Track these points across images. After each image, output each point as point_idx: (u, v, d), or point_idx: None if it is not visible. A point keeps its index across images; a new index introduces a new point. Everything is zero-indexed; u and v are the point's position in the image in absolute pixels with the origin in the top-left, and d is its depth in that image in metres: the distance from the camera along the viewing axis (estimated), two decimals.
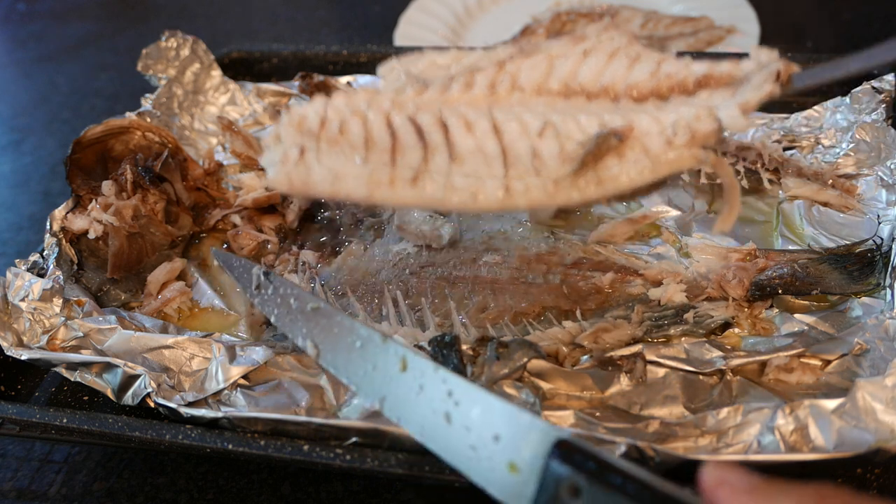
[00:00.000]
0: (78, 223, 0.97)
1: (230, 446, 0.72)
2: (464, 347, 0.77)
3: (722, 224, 0.68)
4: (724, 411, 0.71)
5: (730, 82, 0.68)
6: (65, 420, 0.77)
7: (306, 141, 0.68)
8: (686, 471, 0.67)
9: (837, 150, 1.00)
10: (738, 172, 1.01)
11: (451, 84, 0.71)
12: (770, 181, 1.00)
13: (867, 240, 0.88)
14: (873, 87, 1.02)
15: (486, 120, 0.67)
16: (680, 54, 0.73)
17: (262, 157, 0.70)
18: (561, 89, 0.70)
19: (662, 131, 0.65)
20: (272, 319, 0.76)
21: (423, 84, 0.72)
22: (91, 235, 0.96)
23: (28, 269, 0.92)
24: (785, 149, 1.03)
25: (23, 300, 0.87)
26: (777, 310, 0.84)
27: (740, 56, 0.70)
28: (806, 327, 0.81)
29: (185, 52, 1.23)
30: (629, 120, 0.66)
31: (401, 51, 1.30)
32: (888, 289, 0.81)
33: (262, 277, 0.78)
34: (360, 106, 0.69)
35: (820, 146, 1.02)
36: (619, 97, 0.70)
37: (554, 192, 0.66)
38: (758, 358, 0.76)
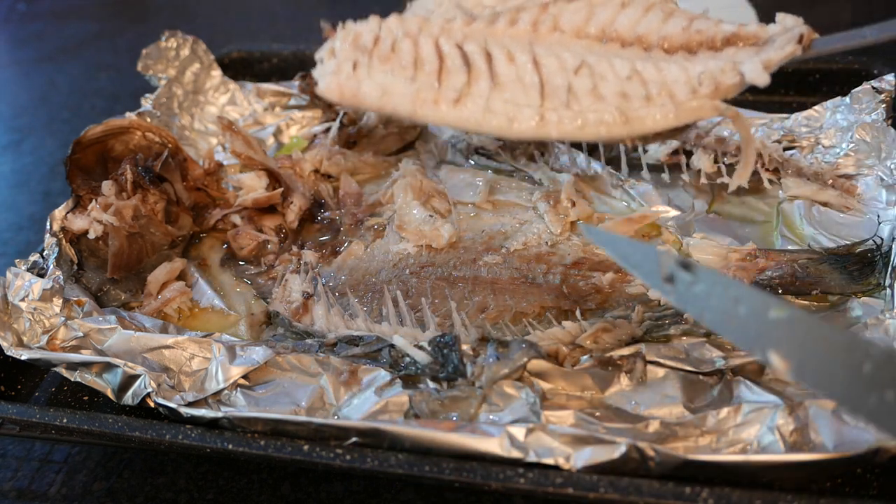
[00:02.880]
0: (78, 223, 0.97)
1: (230, 446, 0.72)
2: (464, 347, 0.77)
3: (738, 178, 0.74)
4: (724, 411, 0.71)
5: (755, 42, 0.73)
6: (65, 420, 0.77)
7: (359, 56, 0.74)
8: (686, 471, 0.67)
9: (837, 150, 1.00)
10: None
11: (498, 18, 0.76)
12: (770, 181, 1.00)
13: (867, 240, 0.88)
14: (873, 87, 1.02)
15: (528, 54, 0.73)
16: None
17: (315, 70, 0.76)
18: (598, 34, 0.75)
19: (689, 80, 0.71)
20: (704, 320, 0.62)
21: (471, 16, 0.77)
22: (91, 235, 0.96)
23: (28, 269, 0.92)
24: (785, 149, 1.03)
25: (23, 300, 0.87)
26: None
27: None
28: None
29: (185, 52, 1.23)
30: (659, 68, 0.71)
31: None
32: (888, 289, 0.81)
33: (678, 267, 0.62)
34: (412, 29, 0.75)
35: (820, 146, 1.02)
36: (652, 47, 0.74)
37: (583, 126, 0.71)
38: (758, 358, 0.76)
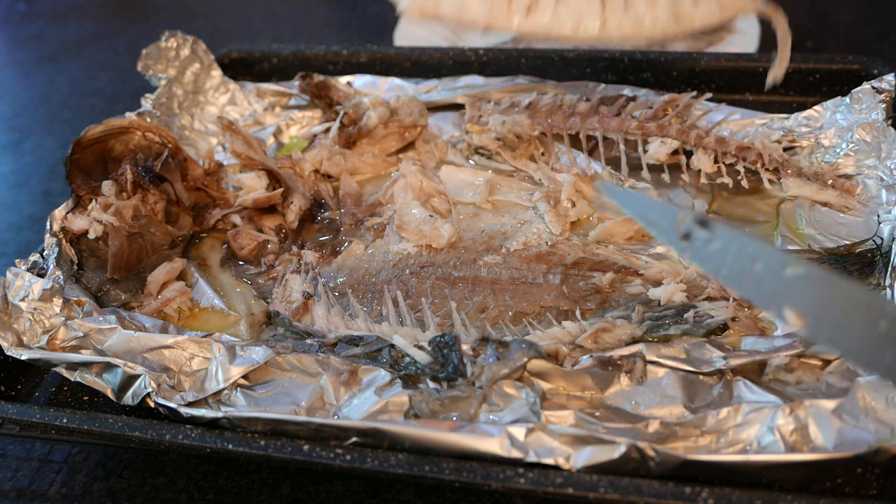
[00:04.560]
0: (78, 223, 0.97)
1: (230, 446, 0.72)
2: (464, 347, 0.77)
3: (773, 73, 0.84)
4: (724, 411, 0.71)
5: None
6: (65, 420, 0.77)
7: None
8: (686, 471, 0.67)
9: (837, 150, 1.00)
10: (737, 172, 1.01)
11: None
12: (770, 181, 1.00)
13: (867, 240, 0.88)
14: (873, 87, 1.02)
15: None
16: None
17: None
18: None
19: None
20: (720, 277, 0.61)
21: None
22: (91, 235, 0.96)
23: (28, 269, 0.92)
24: (785, 149, 1.03)
25: (23, 300, 0.87)
26: None
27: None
28: None
29: (185, 52, 1.23)
30: None
31: (401, 51, 1.30)
32: (888, 289, 0.81)
33: (695, 225, 0.62)
34: None
35: (820, 146, 1.02)
36: None
37: (639, 27, 0.82)
38: (758, 358, 0.76)
